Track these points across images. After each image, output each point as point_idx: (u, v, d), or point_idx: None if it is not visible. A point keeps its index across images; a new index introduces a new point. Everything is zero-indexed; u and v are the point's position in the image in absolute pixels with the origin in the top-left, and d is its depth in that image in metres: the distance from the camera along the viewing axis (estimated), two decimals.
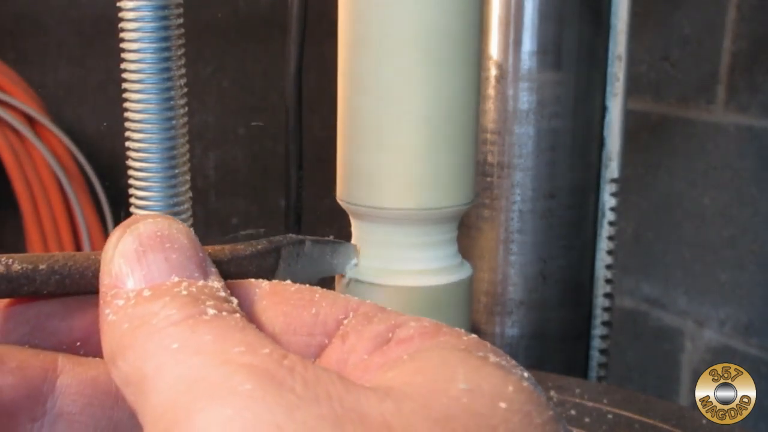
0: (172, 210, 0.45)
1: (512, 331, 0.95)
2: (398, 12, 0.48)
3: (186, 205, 0.46)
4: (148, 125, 0.44)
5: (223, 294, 0.26)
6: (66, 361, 0.29)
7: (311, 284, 0.29)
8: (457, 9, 0.49)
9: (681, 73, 1.32)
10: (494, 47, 0.90)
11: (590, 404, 0.71)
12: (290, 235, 0.37)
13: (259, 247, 0.34)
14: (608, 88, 0.92)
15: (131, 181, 0.46)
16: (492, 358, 0.24)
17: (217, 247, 0.31)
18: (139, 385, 0.23)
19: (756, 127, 1.21)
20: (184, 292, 0.25)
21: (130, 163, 0.45)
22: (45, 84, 1.43)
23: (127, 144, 0.45)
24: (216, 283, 0.27)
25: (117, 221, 1.39)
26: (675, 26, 1.30)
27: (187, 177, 0.46)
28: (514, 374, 0.24)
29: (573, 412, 0.70)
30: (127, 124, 0.45)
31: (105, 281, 0.27)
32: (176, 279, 0.26)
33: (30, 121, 1.33)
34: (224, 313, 0.25)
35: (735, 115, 1.24)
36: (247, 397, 0.21)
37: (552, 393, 0.73)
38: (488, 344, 0.26)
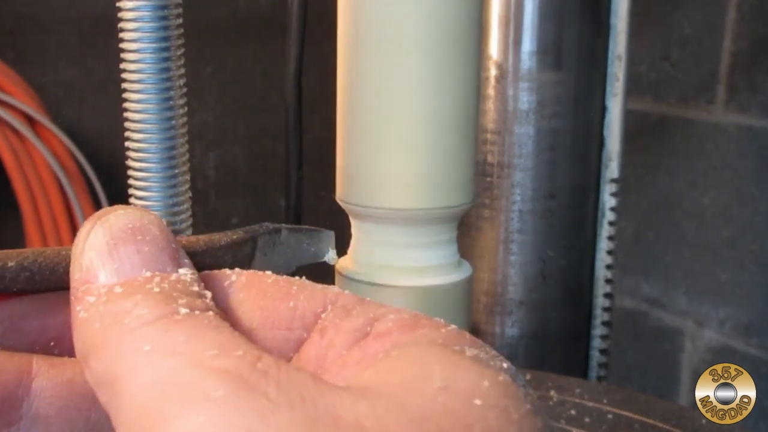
0: (171, 210, 0.45)
1: (512, 331, 0.95)
2: (398, 12, 0.48)
3: (186, 205, 0.46)
4: (148, 125, 0.44)
5: (196, 289, 0.26)
6: (41, 362, 0.28)
7: (289, 273, 0.29)
8: (456, 9, 0.49)
9: (681, 73, 1.32)
10: (494, 47, 0.90)
11: (590, 404, 0.71)
12: (266, 223, 0.36)
13: (235, 236, 0.33)
14: (608, 88, 0.92)
15: (131, 181, 0.45)
16: (468, 351, 0.24)
17: (192, 238, 0.30)
18: (112, 387, 0.23)
19: (756, 127, 1.21)
20: (157, 289, 0.25)
21: (129, 163, 0.45)
22: (45, 84, 1.43)
23: (127, 144, 0.45)
24: (189, 276, 0.26)
25: None
26: (675, 26, 1.30)
27: (187, 177, 0.46)
28: (491, 367, 0.23)
29: (573, 412, 0.70)
30: (126, 124, 0.45)
31: (76, 276, 0.26)
32: (148, 274, 0.25)
33: (30, 121, 1.33)
34: (197, 312, 0.24)
35: (735, 115, 1.24)
36: (220, 403, 0.21)
37: (552, 393, 0.73)
38: (467, 335, 0.25)
